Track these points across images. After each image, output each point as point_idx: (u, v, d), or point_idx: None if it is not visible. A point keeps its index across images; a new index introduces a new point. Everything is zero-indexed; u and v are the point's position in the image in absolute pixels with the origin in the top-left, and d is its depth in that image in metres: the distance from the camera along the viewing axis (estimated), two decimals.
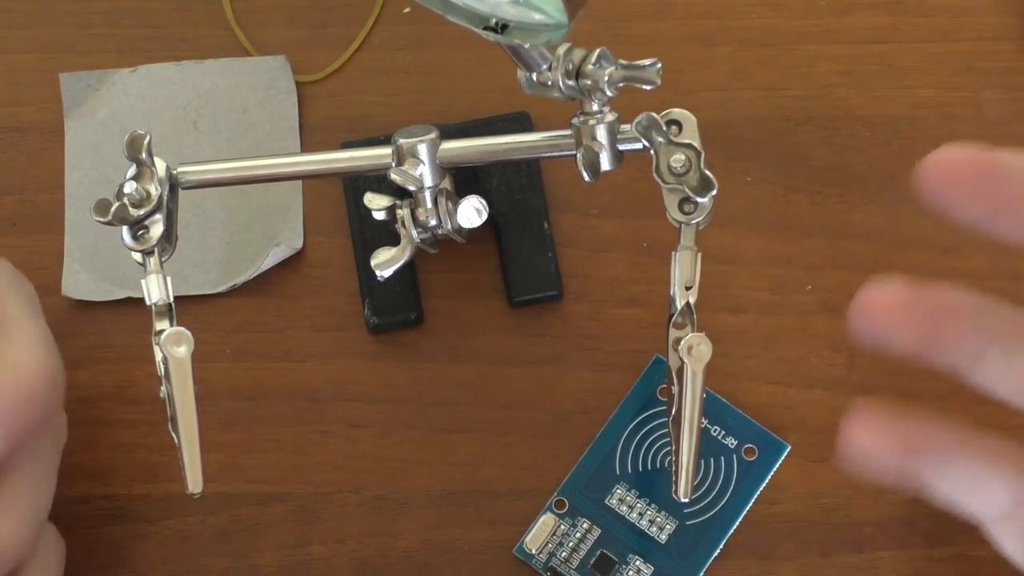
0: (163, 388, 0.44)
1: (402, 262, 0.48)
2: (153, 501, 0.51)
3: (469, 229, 0.48)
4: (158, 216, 0.45)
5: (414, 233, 0.48)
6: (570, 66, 0.43)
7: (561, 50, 0.43)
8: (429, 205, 0.47)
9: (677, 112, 0.45)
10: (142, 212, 0.45)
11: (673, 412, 0.44)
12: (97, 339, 0.53)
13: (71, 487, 0.51)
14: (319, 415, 0.51)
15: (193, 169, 0.47)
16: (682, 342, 0.43)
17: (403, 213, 0.48)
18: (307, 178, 0.53)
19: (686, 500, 0.44)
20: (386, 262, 0.48)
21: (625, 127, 0.45)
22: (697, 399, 0.43)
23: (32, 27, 0.58)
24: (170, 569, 0.50)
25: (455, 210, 0.47)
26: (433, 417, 0.51)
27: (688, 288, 0.44)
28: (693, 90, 0.55)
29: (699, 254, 0.44)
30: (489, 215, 0.48)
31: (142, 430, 0.51)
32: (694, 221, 0.44)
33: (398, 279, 0.51)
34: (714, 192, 0.44)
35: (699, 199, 0.44)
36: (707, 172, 0.44)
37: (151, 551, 0.50)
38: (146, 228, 0.45)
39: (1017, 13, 0.56)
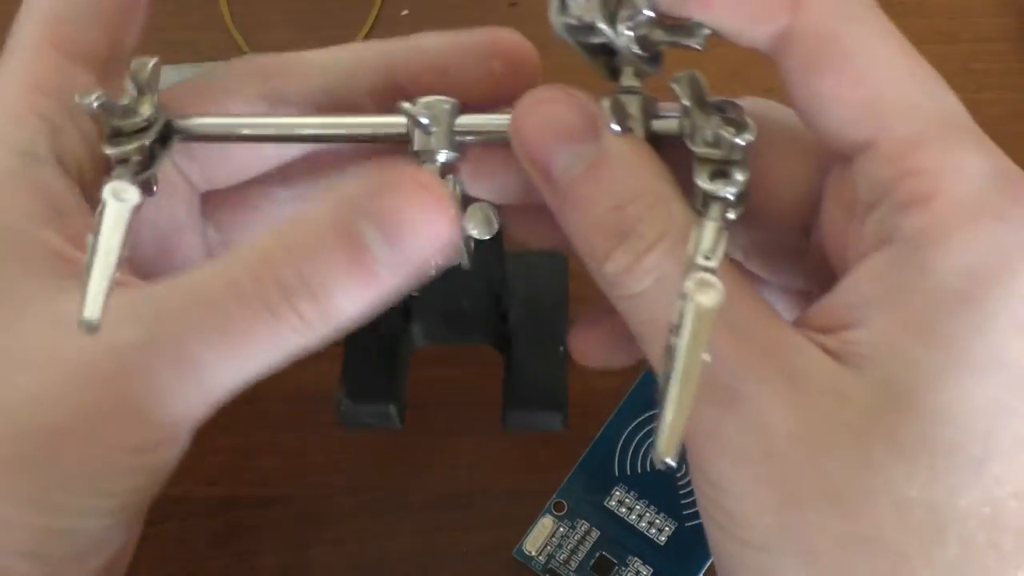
0: (89, 238, 0.34)
1: None
2: (152, 503, 0.50)
3: (476, 242, 0.41)
4: (144, 142, 0.39)
5: None
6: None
7: None
8: None
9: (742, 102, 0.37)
10: (125, 124, 0.40)
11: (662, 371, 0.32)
12: None
13: None
14: (318, 417, 0.51)
15: (193, 123, 0.42)
16: (690, 279, 0.32)
17: None
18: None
19: (671, 462, 0.31)
20: None
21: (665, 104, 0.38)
22: (697, 339, 0.32)
23: None
24: (169, 571, 0.50)
25: (463, 214, 0.43)
26: (433, 418, 0.51)
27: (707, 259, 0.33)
28: None
29: (725, 231, 0.34)
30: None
31: None
32: (725, 191, 0.35)
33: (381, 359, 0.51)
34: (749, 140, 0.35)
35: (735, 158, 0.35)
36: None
37: (150, 553, 0.50)
38: (128, 141, 0.39)
39: (1014, 14, 0.56)
